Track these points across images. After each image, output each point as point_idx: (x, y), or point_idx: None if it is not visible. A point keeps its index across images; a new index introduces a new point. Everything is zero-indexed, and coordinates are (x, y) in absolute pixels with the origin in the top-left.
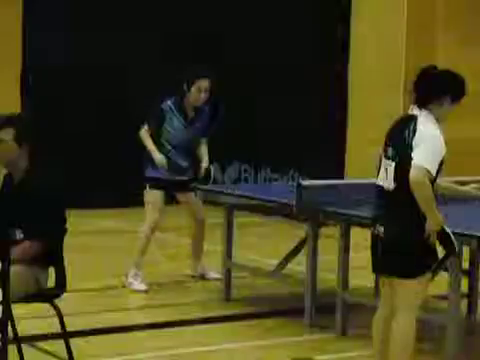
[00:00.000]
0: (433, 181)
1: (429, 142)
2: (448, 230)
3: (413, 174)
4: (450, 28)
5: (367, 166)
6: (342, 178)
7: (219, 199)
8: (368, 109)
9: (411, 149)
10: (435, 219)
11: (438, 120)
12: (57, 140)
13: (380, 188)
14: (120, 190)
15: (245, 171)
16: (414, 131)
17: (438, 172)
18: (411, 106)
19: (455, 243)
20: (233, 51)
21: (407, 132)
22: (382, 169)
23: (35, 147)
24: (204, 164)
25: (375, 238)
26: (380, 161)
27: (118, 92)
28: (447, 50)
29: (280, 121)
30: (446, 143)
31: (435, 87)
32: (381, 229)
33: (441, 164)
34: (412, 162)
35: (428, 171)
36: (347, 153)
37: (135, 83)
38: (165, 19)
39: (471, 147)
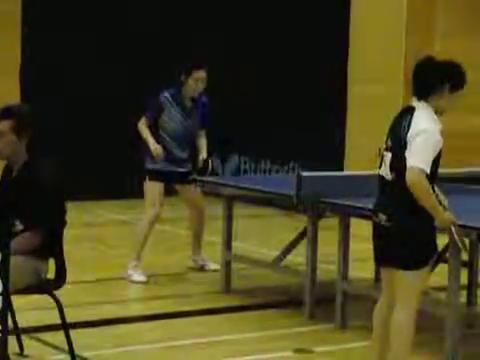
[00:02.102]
0: (431, 177)
1: (421, 139)
2: (454, 231)
3: (408, 177)
4: (450, 17)
5: (366, 158)
6: (341, 170)
7: (219, 190)
8: (367, 101)
9: (405, 143)
10: (441, 217)
11: (438, 111)
12: (58, 131)
13: (381, 177)
14: (120, 182)
15: (245, 163)
16: (409, 124)
17: (436, 166)
18: (412, 98)
19: (459, 244)
20: (235, 47)
21: (403, 125)
22: (383, 159)
23: (34, 139)
24: (202, 155)
25: (377, 227)
26: (382, 151)
27: (119, 84)
28: (447, 40)
29: (280, 113)
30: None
31: (433, 78)
32: (383, 217)
33: (439, 157)
34: (407, 163)
35: (423, 170)
36: (346, 145)
37: (136, 76)
38: (166, 16)
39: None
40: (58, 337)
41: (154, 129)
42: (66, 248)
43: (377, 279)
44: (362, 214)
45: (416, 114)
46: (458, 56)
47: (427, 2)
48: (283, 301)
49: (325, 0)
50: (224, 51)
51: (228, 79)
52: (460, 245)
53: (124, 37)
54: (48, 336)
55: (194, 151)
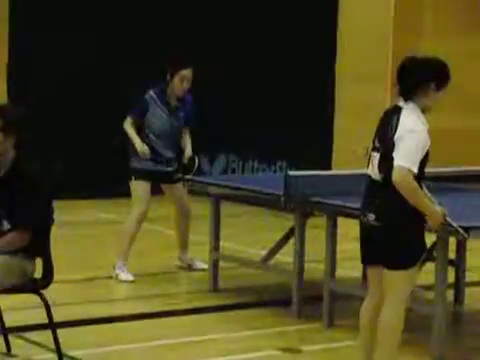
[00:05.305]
0: (419, 176)
1: (409, 139)
2: (450, 220)
3: (395, 176)
4: (437, 17)
5: (354, 157)
6: (329, 169)
7: (206, 190)
8: (355, 100)
9: (393, 144)
10: (432, 214)
11: (425, 110)
12: (46, 131)
13: (369, 177)
14: (108, 181)
15: (233, 162)
16: (396, 125)
17: (424, 166)
18: (399, 97)
19: (460, 231)
20: (223, 46)
21: (390, 126)
22: (371, 159)
23: (22, 138)
24: (187, 153)
25: (364, 227)
26: (369, 151)
27: (110, 83)
28: (434, 40)
29: (268, 112)
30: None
31: (417, 77)
32: (371, 216)
33: (426, 156)
34: (394, 163)
35: (410, 170)
36: (334, 144)
37: (127, 76)
38: (161, 14)
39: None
40: (45, 336)
41: (140, 128)
42: (53, 247)
43: (365, 278)
44: (350, 213)
45: (403, 114)
46: (446, 56)
47: (415, 2)
48: (271, 300)
49: (313, 1)
50: (212, 51)
51: (216, 79)
52: (461, 231)
53: (120, 36)
54: (35, 335)
55: (180, 150)
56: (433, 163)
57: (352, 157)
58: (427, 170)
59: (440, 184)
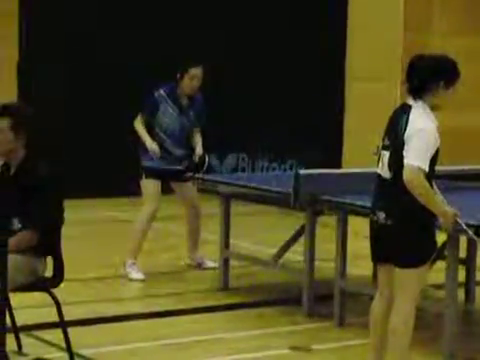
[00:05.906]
0: (429, 175)
1: (419, 137)
2: (461, 222)
3: (406, 175)
4: (447, 16)
5: (364, 155)
6: (339, 167)
7: (216, 188)
8: (365, 99)
9: (403, 142)
10: (442, 213)
11: (434, 108)
12: (56, 129)
13: (379, 176)
14: (118, 179)
15: (243, 161)
16: (406, 123)
17: (434, 164)
18: (408, 96)
19: (470, 233)
20: (233, 45)
21: (400, 124)
22: (381, 158)
23: (32, 136)
24: (198, 151)
25: (374, 225)
26: (379, 150)
27: (117, 82)
28: (444, 38)
29: (278, 111)
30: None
31: (426, 75)
32: (381, 215)
33: (436, 154)
34: (404, 161)
35: (420, 168)
36: (344, 142)
37: (133, 75)
38: (172, 13)
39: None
40: (56, 335)
41: (150, 127)
42: (64, 246)
43: (375, 277)
44: (360, 212)
45: (413, 112)
46: (456, 54)
47: (424, 1)
48: (281, 299)
49: (324, 1)
50: (222, 49)
51: (226, 77)
52: (471, 234)
53: (131, 35)
54: (46, 334)
55: (191, 149)
56: (443, 161)
57: (366, 154)
58: (437, 168)
59: (450, 183)
